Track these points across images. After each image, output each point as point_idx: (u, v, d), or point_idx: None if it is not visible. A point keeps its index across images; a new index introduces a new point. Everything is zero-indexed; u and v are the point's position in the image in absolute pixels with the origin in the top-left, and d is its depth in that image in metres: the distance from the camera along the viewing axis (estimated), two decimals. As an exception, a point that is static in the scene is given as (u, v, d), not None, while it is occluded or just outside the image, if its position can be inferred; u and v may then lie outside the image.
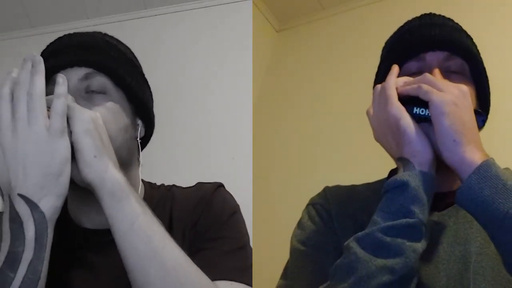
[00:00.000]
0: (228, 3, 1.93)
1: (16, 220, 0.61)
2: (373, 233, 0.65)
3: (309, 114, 2.03)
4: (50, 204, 0.62)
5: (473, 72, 0.81)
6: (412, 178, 0.66)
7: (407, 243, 0.63)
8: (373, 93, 0.77)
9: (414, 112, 0.71)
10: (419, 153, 0.68)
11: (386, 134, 0.73)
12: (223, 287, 0.70)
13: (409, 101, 0.72)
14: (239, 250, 0.77)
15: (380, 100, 0.74)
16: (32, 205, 0.61)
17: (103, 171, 0.65)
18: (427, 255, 0.71)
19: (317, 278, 0.71)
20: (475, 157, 0.65)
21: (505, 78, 1.34)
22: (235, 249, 0.77)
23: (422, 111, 0.71)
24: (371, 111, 0.77)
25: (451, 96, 0.68)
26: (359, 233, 0.66)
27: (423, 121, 0.70)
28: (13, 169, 0.61)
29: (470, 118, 0.69)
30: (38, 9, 2.05)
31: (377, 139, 0.76)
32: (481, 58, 0.84)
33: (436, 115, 0.68)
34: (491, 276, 0.68)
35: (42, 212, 0.61)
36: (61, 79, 0.67)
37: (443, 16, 0.86)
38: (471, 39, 0.85)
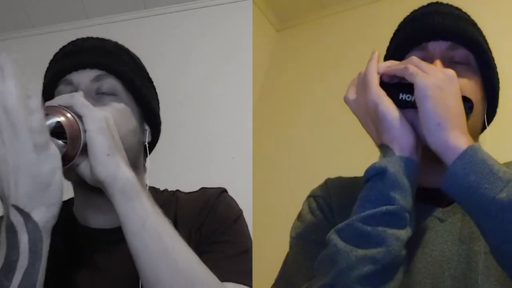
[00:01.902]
0: (228, 3, 1.93)
1: (11, 230, 0.60)
2: (353, 223, 0.63)
3: (309, 113, 2.03)
4: (42, 214, 0.61)
5: (479, 62, 0.79)
6: (391, 164, 0.64)
7: (389, 231, 0.61)
8: (358, 78, 0.75)
9: (400, 97, 0.69)
10: (399, 138, 0.66)
11: (367, 121, 0.71)
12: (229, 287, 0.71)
13: (395, 87, 0.70)
14: (242, 254, 0.78)
15: (361, 86, 0.72)
16: (24, 215, 0.61)
17: (116, 169, 0.66)
18: (432, 254, 0.71)
19: None
20: (459, 142, 0.63)
21: None
22: (239, 253, 0.78)
23: (408, 97, 0.69)
24: (350, 97, 0.74)
25: (435, 80, 0.66)
26: (340, 224, 0.64)
27: (410, 107, 0.68)
28: (5, 179, 0.60)
29: (456, 103, 0.67)
30: (38, 9, 2.05)
31: (363, 126, 0.74)
32: (488, 48, 0.81)
33: (420, 98, 0.66)
34: (495, 277, 0.66)
35: (35, 222, 0.61)
36: (31, 91, 0.62)
37: (451, 5, 0.83)
38: (478, 29, 0.82)
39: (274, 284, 0.78)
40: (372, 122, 0.70)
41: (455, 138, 0.64)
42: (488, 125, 0.81)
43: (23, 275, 0.60)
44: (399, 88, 0.70)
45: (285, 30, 2.32)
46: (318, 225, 0.79)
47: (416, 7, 0.86)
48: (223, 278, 0.70)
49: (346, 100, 0.75)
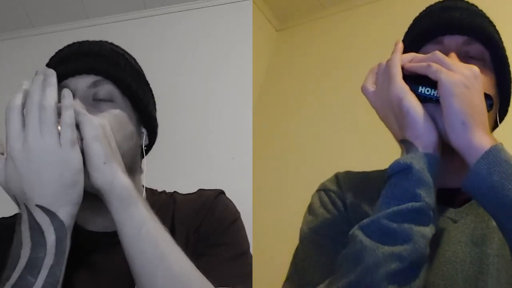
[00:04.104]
0: (228, 3, 1.93)
1: (36, 228, 0.62)
2: (378, 220, 0.62)
3: (309, 113, 2.03)
4: (67, 213, 0.63)
5: (494, 59, 0.79)
6: (416, 160, 0.64)
7: (415, 228, 0.61)
8: (377, 69, 0.73)
9: (419, 91, 0.68)
10: (423, 135, 0.66)
11: (389, 114, 0.70)
12: None
13: (415, 79, 0.69)
14: (240, 257, 0.78)
15: (384, 78, 0.71)
16: (51, 214, 0.62)
17: (112, 177, 0.66)
18: (445, 254, 0.70)
19: (333, 270, 0.66)
20: (483, 142, 0.63)
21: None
22: (237, 255, 0.78)
23: (428, 91, 0.68)
24: (370, 88, 0.73)
25: (461, 77, 0.65)
26: (364, 221, 0.63)
27: (428, 102, 0.68)
28: (27, 180, 0.62)
29: (480, 101, 0.66)
30: (38, 9, 2.05)
31: (381, 119, 0.72)
32: (503, 45, 0.81)
33: (446, 96, 0.65)
34: (506, 279, 0.66)
35: (61, 221, 0.63)
36: (66, 92, 0.68)
37: (467, 2, 0.84)
38: (494, 26, 0.82)
39: (287, 279, 0.77)
40: (395, 116, 0.69)
41: (479, 138, 0.63)
42: (500, 123, 0.81)
43: (48, 272, 0.61)
44: (419, 81, 0.69)
45: (285, 30, 2.32)
46: (332, 219, 0.78)
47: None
48: (218, 282, 0.70)
49: (364, 90, 0.73)
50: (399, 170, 0.65)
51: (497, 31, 0.82)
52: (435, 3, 0.84)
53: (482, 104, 0.67)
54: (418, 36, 0.80)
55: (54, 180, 0.62)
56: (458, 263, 0.69)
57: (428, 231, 0.62)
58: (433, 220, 0.63)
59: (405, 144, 0.67)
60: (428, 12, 0.83)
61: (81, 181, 0.65)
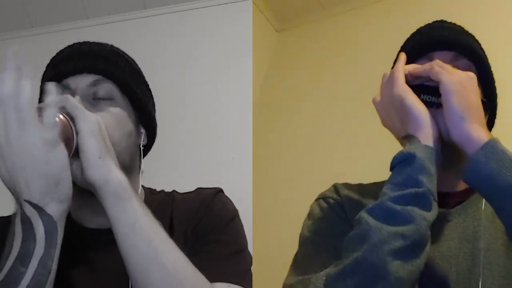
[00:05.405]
0: (228, 3, 1.93)
1: (26, 221, 0.63)
2: (383, 203, 0.66)
3: (309, 113, 2.03)
4: (55, 209, 0.64)
5: (480, 73, 0.84)
6: (418, 150, 0.69)
7: (417, 211, 0.65)
8: (382, 80, 0.80)
9: (421, 98, 0.74)
10: (424, 128, 0.71)
11: (392, 115, 0.76)
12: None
13: (417, 88, 0.75)
14: (237, 254, 0.79)
15: (388, 83, 0.78)
16: (38, 209, 0.63)
17: (107, 172, 0.67)
18: (439, 249, 0.74)
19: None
20: (481, 134, 0.68)
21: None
22: (234, 252, 0.79)
23: (429, 98, 0.74)
24: (378, 98, 0.80)
25: (458, 78, 0.73)
26: (370, 205, 0.68)
27: (429, 108, 0.73)
28: (15, 177, 0.63)
29: (475, 99, 0.73)
30: (38, 9, 2.05)
31: (384, 124, 0.78)
32: (487, 61, 0.87)
33: (446, 93, 0.71)
34: (498, 272, 0.70)
35: (49, 215, 0.63)
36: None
37: (454, 23, 0.90)
38: (479, 43, 0.88)
39: (287, 278, 0.78)
40: (397, 114, 0.75)
41: (476, 130, 0.69)
42: None
43: (38, 262, 0.62)
44: (420, 90, 0.75)
45: (285, 31, 2.32)
46: (332, 221, 0.81)
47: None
48: (214, 278, 0.71)
49: (373, 101, 0.81)
50: (402, 160, 0.69)
51: (482, 48, 0.88)
52: (424, 25, 0.91)
53: (478, 102, 0.73)
54: (411, 52, 0.86)
55: (38, 179, 0.62)
56: (451, 257, 0.74)
57: (429, 215, 0.66)
58: (433, 207, 0.67)
59: (408, 138, 0.72)
60: (418, 32, 0.90)
61: (67, 178, 0.64)
